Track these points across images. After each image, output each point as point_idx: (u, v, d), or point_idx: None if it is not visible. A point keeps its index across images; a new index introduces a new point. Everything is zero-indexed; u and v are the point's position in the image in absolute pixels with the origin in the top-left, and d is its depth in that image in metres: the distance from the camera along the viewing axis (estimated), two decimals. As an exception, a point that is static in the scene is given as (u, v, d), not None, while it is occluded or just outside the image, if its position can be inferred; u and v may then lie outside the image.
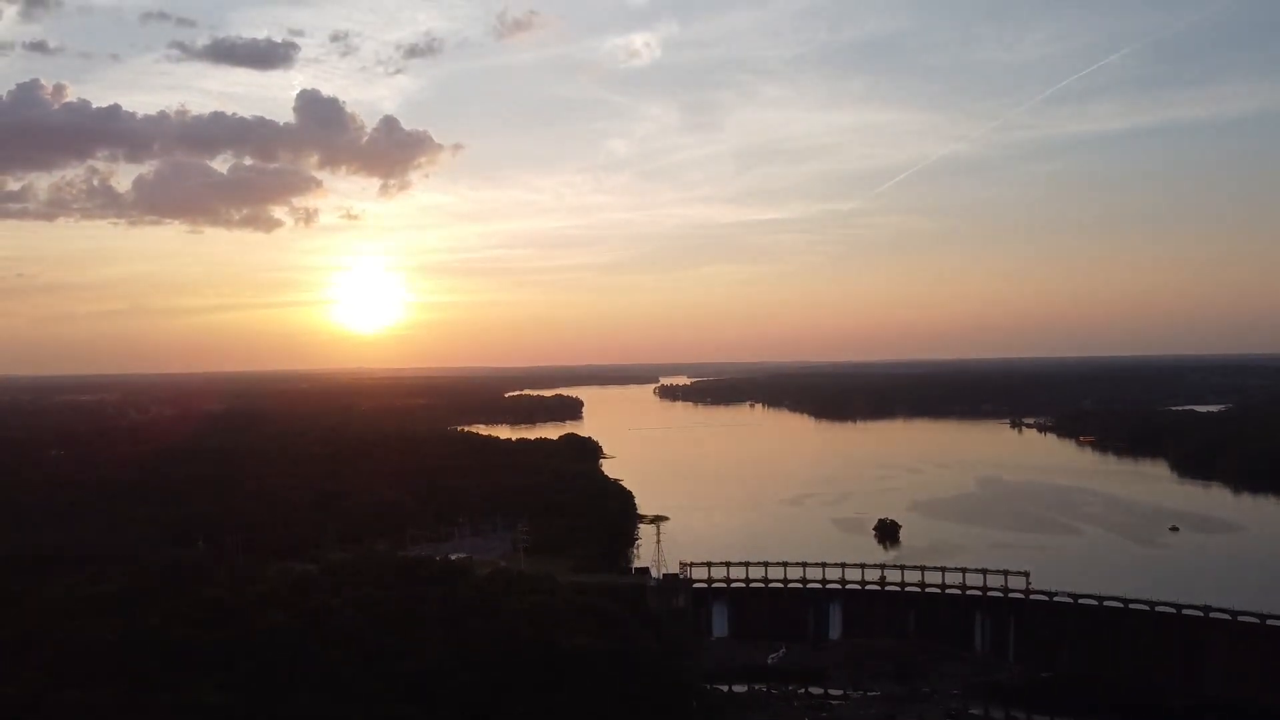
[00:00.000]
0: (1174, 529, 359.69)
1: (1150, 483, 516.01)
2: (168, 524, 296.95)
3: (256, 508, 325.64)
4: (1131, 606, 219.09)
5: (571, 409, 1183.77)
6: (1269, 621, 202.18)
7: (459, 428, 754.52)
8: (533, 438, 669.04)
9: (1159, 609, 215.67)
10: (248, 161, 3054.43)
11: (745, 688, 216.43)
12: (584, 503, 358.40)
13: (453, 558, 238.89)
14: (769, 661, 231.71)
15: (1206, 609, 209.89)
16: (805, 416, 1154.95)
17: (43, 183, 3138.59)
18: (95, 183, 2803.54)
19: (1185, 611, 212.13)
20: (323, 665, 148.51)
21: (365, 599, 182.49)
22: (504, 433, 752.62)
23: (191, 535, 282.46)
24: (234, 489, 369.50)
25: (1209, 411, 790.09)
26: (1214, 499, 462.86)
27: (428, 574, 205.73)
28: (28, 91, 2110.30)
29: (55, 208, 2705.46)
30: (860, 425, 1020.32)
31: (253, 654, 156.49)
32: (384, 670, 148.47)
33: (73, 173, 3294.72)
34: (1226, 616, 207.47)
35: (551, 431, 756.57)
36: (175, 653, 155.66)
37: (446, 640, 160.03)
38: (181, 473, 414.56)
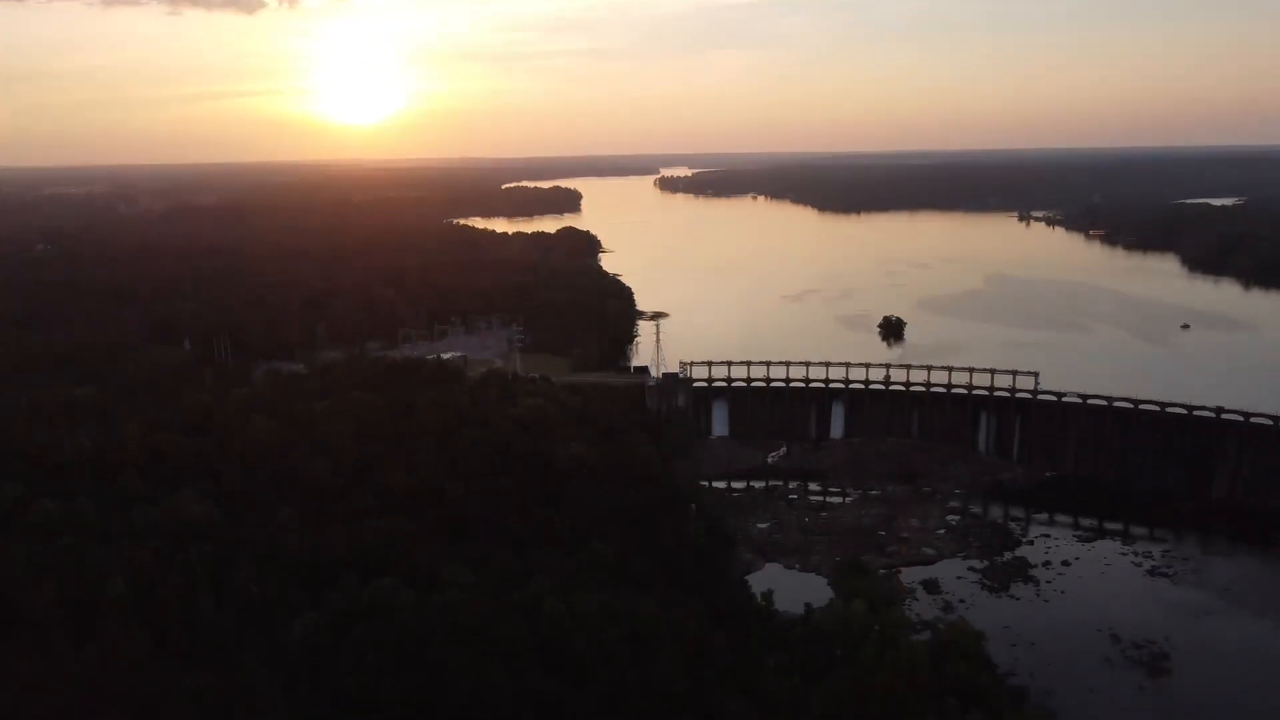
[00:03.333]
0: (1185, 327, 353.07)
1: (1161, 279, 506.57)
2: (155, 324, 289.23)
3: (246, 307, 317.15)
4: (1142, 407, 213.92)
5: (570, 201, 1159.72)
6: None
7: (454, 221, 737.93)
8: (530, 231, 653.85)
9: (1170, 410, 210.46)
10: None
11: (744, 485, 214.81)
12: (582, 300, 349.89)
13: (445, 358, 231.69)
14: (769, 461, 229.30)
15: (1219, 410, 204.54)
16: (809, 209, 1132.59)
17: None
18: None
19: (1197, 413, 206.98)
20: (309, 476, 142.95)
21: (354, 405, 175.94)
22: (500, 226, 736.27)
23: (178, 335, 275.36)
24: (224, 287, 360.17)
25: (1223, 205, 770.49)
26: (1226, 296, 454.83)
27: (419, 377, 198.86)
28: None
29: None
30: (865, 218, 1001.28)
31: (236, 464, 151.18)
32: (373, 482, 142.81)
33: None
34: (1239, 418, 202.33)
35: (549, 225, 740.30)
36: (156, 462, 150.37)
37: (438, 450, 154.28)
38: (170, 270, 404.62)
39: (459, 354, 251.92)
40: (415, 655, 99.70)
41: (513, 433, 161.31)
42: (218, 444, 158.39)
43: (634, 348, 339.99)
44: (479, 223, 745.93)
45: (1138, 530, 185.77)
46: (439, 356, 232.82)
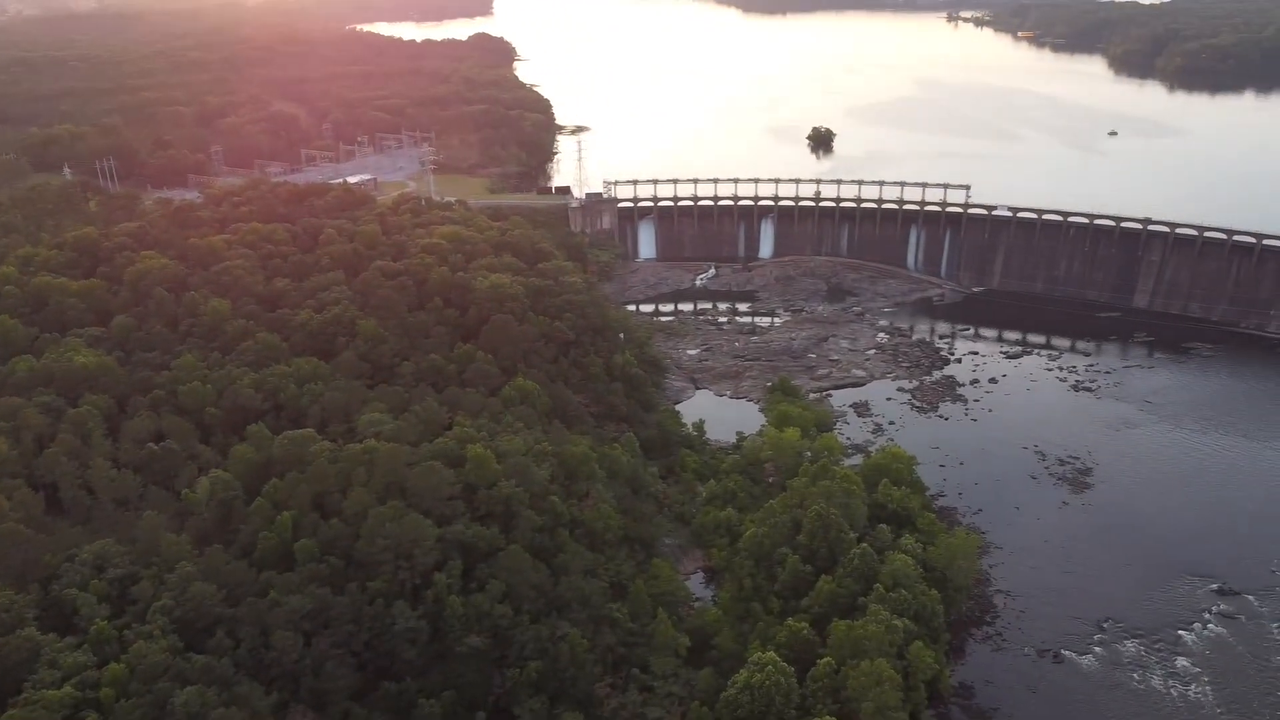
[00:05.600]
0: (1113, 134, 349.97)
1: (1089, 82, 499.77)
2: (30, 147, 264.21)
3: (132, 126, 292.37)
4: (1071, 219, 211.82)
5: (482, 3, 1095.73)
6: (1206, 234, 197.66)
7: (358, 27, 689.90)
8: (440, 39, 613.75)
9: (1098, 222, 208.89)
10: None
11: (673, 309, 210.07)
12: (498, 114, 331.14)
13: (353, 181, 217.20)
14: (697, 283, 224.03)
15: (1146, 222, 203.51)
16: (732, 9, 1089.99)
17: None
18: None
19: (1124, 224, 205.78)
20: (209, 316, 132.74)
21: (255, 237, 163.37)
22: (409, 32, 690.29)
23: (57, 160, 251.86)
24: (106, 104, 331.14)
25: (1151, 3, 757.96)
26: (1152, 99, 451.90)
27: (326, 204, 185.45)
28: None
29: None
30: (791, 18, 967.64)
31: (127, 305, 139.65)
32: (279, 321, 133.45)
33: None
34: (1165, 229, 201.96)
35: (460, 30, 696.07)
36: (38, 306, 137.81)
37: (348, 284, 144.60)
38: (44, 86, 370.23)
39: (368, 176, 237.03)
40: (333, 509, 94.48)
41: (429, 263, 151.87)
42: (106, 283, 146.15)
43: (555, 165, 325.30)
44: (385, 29, 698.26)
45: (1061, 343, 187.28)
46: (346, 180, 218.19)
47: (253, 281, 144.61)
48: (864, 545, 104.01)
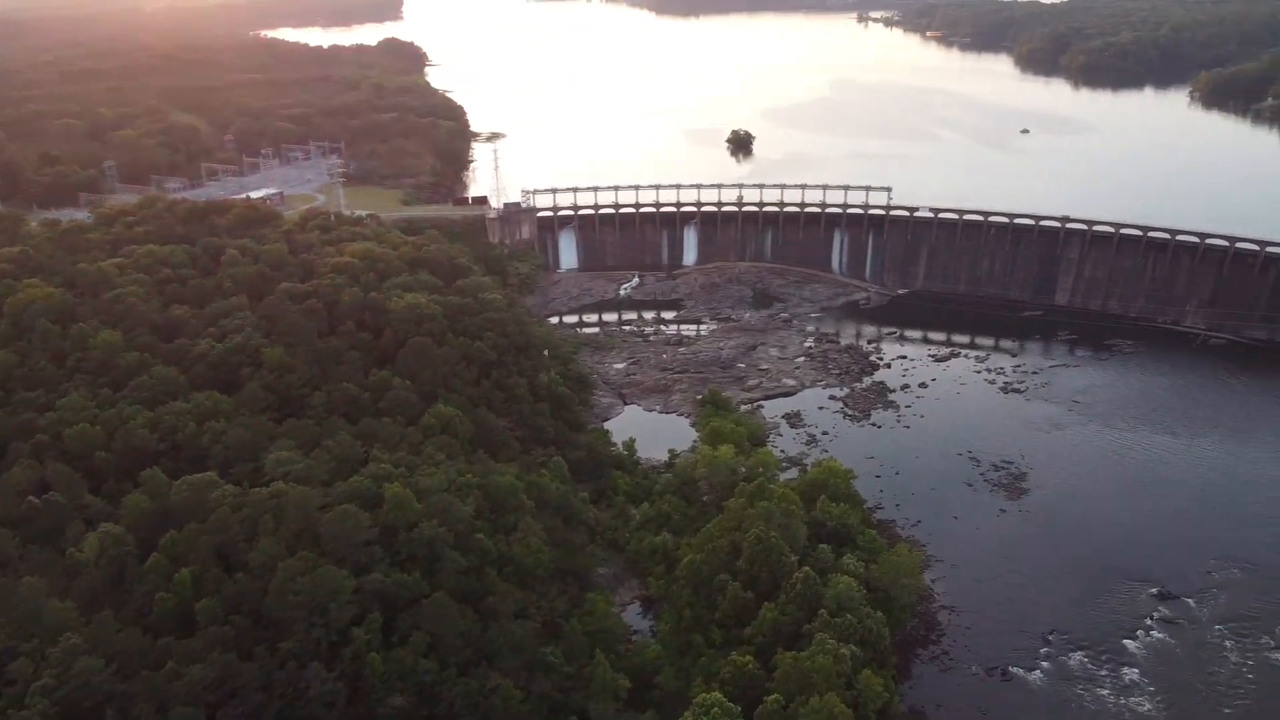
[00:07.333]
0: (1025, 131, 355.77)
1: (997, 81, 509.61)
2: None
3: (16, 140, 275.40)
4: (991, 219, 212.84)
5: (391, 7, 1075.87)
6: (1123, 231, 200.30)
7: (262, 33, 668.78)
8: (348, 44, 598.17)
9: (1017, 221, 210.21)
10: None
11: (597, 320, 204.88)
12: (410, 122, 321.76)
13: (257, 197, 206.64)
14: (621, 293, 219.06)
15: (1064, 220, 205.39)
16: (645, 11, 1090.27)
17: None
18: None
19: (1043, 223, 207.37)
20: (99, 350, 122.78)
21: (151, 260, 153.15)
22: (315, 37, 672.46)
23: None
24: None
25: (1053, 3, 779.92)
26: (1058, 96, 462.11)
27: (227, 222, 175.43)
28: None
29: None
30: (704, 20, 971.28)
31: (7, 339, 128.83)
32: (176, 353, 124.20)
33: None
34: (1083, 227, 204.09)
35: (369, 35, 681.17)
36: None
37: (252, 309, 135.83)
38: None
39: (273, 191, 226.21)
40: (238, 562, 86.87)
41: (339, 284, 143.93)
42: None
43: (471, 174, 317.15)
44: (290, 34, 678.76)
45: (986, 343, 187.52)
46: (249, 195, 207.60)
47: (148, 309, 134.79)
48: (806, 569, 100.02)
